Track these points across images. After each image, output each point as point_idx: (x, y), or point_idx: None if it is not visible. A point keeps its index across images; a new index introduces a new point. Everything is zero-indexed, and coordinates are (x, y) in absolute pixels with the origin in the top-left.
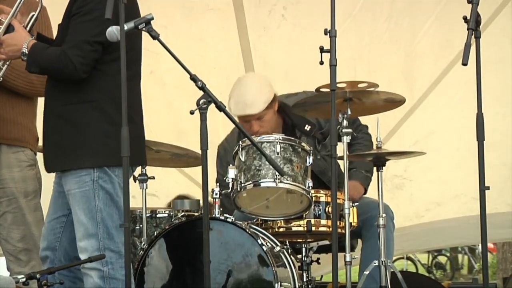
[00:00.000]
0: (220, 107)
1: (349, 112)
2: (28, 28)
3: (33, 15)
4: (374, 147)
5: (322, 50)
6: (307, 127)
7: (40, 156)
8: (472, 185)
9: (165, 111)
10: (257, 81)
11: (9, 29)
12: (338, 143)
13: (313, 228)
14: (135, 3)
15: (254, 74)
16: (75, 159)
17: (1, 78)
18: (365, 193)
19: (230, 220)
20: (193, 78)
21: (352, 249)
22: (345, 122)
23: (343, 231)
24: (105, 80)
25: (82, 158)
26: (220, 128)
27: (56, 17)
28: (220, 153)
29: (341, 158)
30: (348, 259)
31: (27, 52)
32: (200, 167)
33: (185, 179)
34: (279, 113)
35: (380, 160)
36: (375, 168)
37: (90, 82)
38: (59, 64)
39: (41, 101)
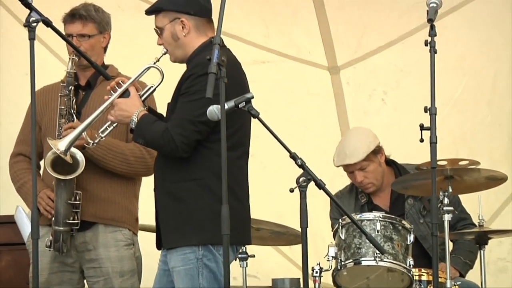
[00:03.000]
0: (320, 185)
1: (450, 190)
2: (143, 98)
3: (152, 86)
4: (477, 225)
5: (422, 127)
6: None
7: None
8: None
9: (264, 193)
10: (360, 133)
11: (125, 94)
12: None
13: None
14: (240, 80)
15: (359, 127)
16: (181, 237)
17: (103, 138)
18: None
19: None
20: (293, 156)
21: None
22: (446, 200)
23: None
24: (212, 158)
25: (188, 236)
26: (319, 207)
27: None
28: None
29: (442, 236)
30: None
31: (136, 122)
32: (299, 245)
33: (284, 260)
34: (390, 166)
35: (482, 238)
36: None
37: (197, 160)
38: (162, 141)
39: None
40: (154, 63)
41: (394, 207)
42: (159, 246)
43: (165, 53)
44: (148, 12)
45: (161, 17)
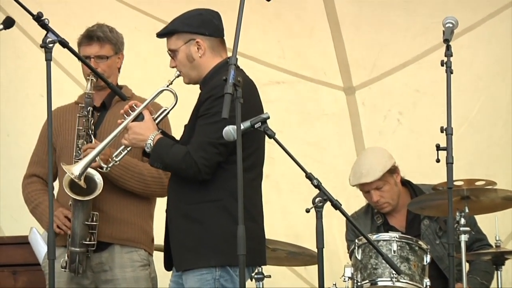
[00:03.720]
0: (336, 205)
1: (467, 210)
2: (157, 121)
3: (165, 109)
4: (493, 245)
5: (438, 148)
6: None
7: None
8: None
9: (280, 215)
10: (376, 152)
11: (139, 117)
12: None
13: None
14: (255, 100)
15: (375, 147)
16: (198, 258)
17: (117, 162)
18: None
19: None
20: (309, 177)
21: None
22: (462, 221)
23: None
24: (229, 179)
25: (205, 257)
26: (335, 227)
27: None
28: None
29: (459, 257)
30: None
31: (152, 145)
32: (315, 266)
33: (300, 280)
34: (405, 187)
35: (499, 259)
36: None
37: (214, 181)
38: (183, 165)
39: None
40: (168, 86)
41: (410, 228)
42: (168, 267)
43: (178, 76)
44: (161, 35)
45: (174, 39)
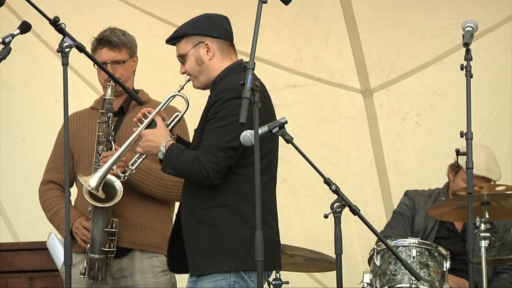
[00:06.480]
0: (355, 211)
1: (487, 216)
2: (170, 127)
3: (178, 115)
4: None
5: (458, 153)
6: None
7: None
8: None
9: (297, 219)
10: (494, 154)
11: (152, 124)
12: None
13: None
14: (268, 104)
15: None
16: (213, 263)
17: (134, 170)
18: None
19: None
20: (327, 182)
21: None
22: (482, 226)
23: None
24: (242, 183)
25: (219, 262)
26: (353, 232)
27: None
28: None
29: (479, 263)
30: None
31: (164, 152)
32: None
33: (318, 286)
34: None
35: None
36: None
37: (227, 186)
38: (193, 170)
39: None
40: (179, 91)
41: (465, 231)
42: (172, 268)
43: (188, 80)
44: (170, 40)
45: (183, 43)
